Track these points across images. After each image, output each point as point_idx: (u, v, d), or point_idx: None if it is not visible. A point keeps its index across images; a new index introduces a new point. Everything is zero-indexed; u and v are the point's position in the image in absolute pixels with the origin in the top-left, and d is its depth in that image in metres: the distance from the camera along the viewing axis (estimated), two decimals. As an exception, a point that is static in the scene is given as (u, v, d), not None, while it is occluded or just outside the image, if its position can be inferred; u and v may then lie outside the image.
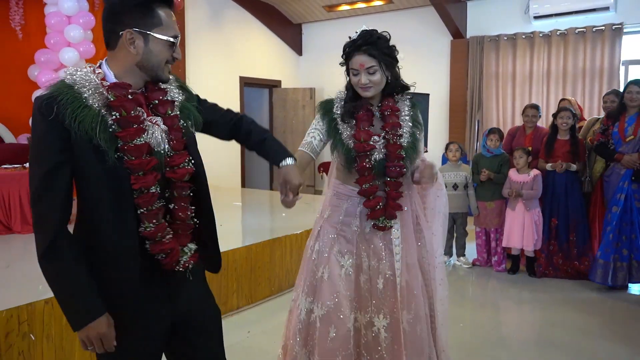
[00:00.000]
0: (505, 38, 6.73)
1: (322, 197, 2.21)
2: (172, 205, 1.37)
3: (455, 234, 4.69)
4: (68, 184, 1.26)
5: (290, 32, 8.61)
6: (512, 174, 4.37)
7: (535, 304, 3.80)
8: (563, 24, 6.37)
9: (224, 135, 1.65)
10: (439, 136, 7.00)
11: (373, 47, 1.82)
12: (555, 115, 4.28)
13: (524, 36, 6.62)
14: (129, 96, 1.28)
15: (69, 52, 4.83)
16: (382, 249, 1.95)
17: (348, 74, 1.93)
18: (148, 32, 1.29)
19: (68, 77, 1.28)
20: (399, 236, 1.97)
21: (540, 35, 6.50)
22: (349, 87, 1.95)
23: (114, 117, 1.26)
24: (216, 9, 7.34)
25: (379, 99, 1.96)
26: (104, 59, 1.35)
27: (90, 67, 1.32)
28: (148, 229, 1.31)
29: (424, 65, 7.10)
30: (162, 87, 1.39)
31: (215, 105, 1.62)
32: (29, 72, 5.09)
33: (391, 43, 1.89)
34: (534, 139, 4.51)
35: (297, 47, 8.76)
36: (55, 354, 2.35)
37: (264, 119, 8.51)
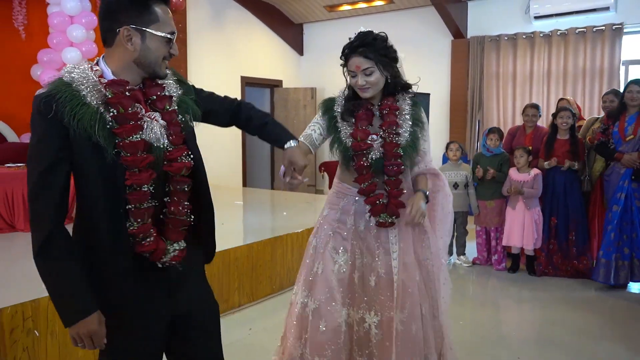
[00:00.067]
0: (506, 38, 6.74)
1: (323, 197, 2.23)
2: (167, 198, 1.37)
3: (455, 233, 4.69)
4: (65, 182, 1.27)
5: (291, 32, 8.62)
6: (513, 173, 4.39)
7: (535, 302, 3.81)
8: (563, 24, 6.38)
9: (224, 123, 1.65)
10: (439, 136, 7.00)
11: (369, 48, 1.84)
12: (555, 115, 4.29)
13: (524, 36, 6.63)
14: (127, 93, 1.28)
15: (72, 52, 4.87)
16: (376, 247, 1.97)
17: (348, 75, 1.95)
18: (145, 29, 1.29)
19: (66, 74, 1.27)
20: (396, 235, 1.98)
21: (541, 35, 6.51)
22: (350, 86, 1.97)
23: (111, 114, 1.26)
24: (218, 9, 7.35)
25: (380, 98, 1.98)
26: (102, 56, 1.35)
27: (88, 64, 1.32)
28: (131, 227, 1.29)
29: (425, 65, 7.09)
30: (159, 82, 1.39)
31: (212, 94, 1.63)
32: (31, 71, 5.13)
33: (392, 43, 1.90)
34: (534, 138, 4.53)
35: (298, 47, 8.77)
36: (59, 350, 2.37)
37: (265, 119, 8.52)
